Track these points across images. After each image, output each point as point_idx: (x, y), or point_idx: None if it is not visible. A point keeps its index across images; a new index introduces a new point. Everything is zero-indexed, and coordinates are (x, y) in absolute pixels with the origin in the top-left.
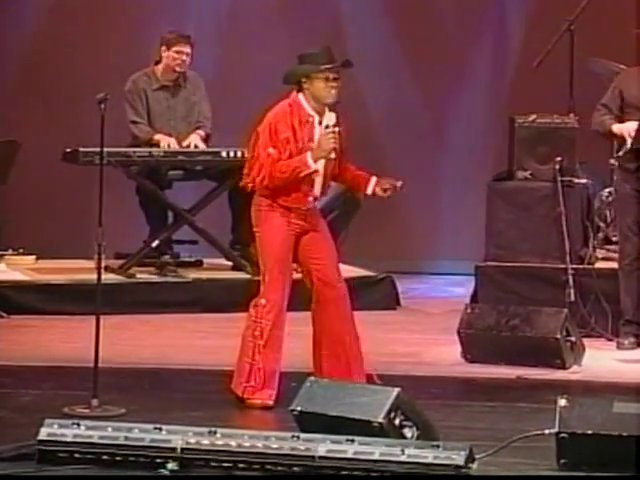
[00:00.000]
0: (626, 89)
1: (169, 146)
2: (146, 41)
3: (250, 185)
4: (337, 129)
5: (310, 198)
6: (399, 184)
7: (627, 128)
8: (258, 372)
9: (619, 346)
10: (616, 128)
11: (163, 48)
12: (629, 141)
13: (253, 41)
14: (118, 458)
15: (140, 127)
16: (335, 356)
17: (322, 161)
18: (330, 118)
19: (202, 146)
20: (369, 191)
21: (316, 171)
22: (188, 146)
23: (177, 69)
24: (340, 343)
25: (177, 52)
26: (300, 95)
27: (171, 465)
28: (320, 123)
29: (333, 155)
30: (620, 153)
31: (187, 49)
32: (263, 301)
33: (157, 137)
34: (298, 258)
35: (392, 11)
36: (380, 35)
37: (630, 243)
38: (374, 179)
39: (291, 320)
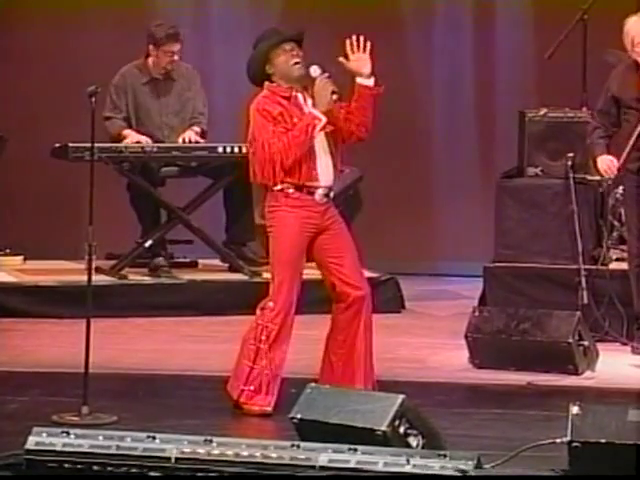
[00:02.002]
0: (615, 89)
1: (139, 142)
2: (136, 35)
3: (271, 179)
4: (327, 74)
5: (314, 172)
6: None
7: (603, 166)
8: (258, 377)
9: (634, 350)
10: (599, 162)
11: (151, 47)
12: (606, 177)
13: (249, 34)
14: (109, 468)
15: (112, 121)
16: (343, 363)
17: (321, 141)
18: (314, 70)
19: (199, 141)
20: (368, 82)
21: (326, 126)
22: (183, 141)
23: (168, 67)
24: (352, 350)
25: (167, 52)
26: (274, 83)
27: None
28: (305, 100)
29: (335, 97)
30: (603, 187)
31: (176, 47)
32: (271, 304)
33: (125, 132)
34: (315, 259)
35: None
36: (378, 27)
37: (638, 243)
38: (357, 80)
39: (296, 323)
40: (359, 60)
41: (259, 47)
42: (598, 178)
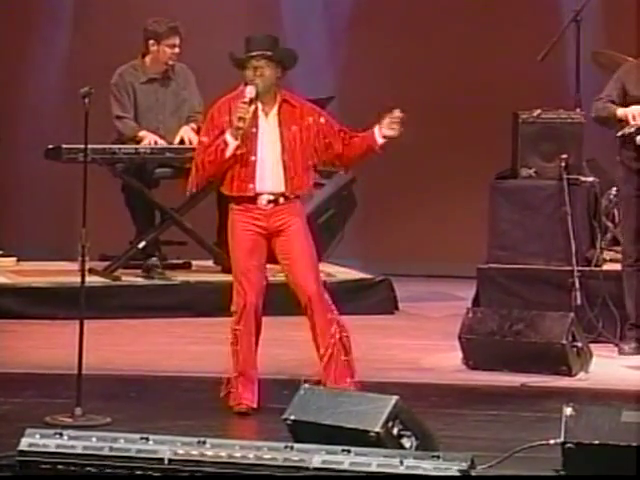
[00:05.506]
0: (628, 82)
1: (156, 143)
2: (129, 34)
3: (188, 187)
4: (248, 99)
5: (250, 186)
6: (397, 112)
7: (632, 110)
8: (236, 378)
9: (620, 351)
10: (621, 111)
11: (151, 42)
12: (632, 123)
13: (247, 31)
14: (103, 470)
15: (125, 122)
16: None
17: (272, 151)
18: (250, 91)
19: (196, 139)
20: (379, 140)
21: (238, 147)
22: (181, 141)
23: (170, 62)
24: (320, 349)
25: (169, 45)
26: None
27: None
28: (265, 112)
29: (241, 124)
30: (619, 133)
31: (177, 40)
32: (233, 307)
33: (142, 134)
34: (277, 261)
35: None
36: (378, 25)
37: (632, 244)
38: (376, 128)
39: (281, 325)
40: (392, 124)
41: (239, 57)
42: (591, 179)
